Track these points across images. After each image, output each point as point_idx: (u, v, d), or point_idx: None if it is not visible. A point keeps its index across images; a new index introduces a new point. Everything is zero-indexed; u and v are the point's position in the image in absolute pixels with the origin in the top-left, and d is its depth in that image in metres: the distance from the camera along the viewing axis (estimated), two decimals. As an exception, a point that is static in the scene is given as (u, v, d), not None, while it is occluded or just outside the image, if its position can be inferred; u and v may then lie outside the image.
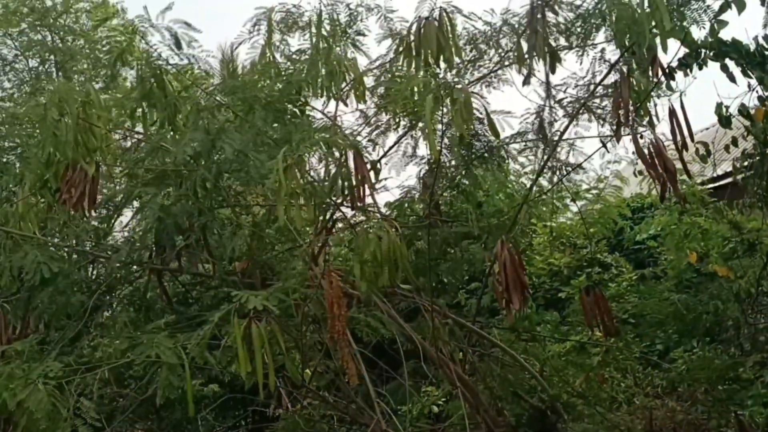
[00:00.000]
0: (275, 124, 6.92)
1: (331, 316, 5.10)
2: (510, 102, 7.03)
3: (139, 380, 7.46)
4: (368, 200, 7.13)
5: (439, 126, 7.66)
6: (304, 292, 5.62)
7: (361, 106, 7.97)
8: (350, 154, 6.70)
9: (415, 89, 6.96)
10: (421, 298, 7.02)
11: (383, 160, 7.68)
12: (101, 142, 7.33)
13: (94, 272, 7.16)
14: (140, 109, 6.99)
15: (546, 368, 7.60)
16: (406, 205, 7.39)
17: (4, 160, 7.89)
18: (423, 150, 7.72)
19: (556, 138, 6.76)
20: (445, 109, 7.14)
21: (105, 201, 7.18)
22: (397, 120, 7.85)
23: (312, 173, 6.68)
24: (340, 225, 7.44)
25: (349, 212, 7.25)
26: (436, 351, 6.49)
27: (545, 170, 6.79)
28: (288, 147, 5.90)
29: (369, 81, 7.83)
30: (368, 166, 6.94)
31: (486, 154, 7.06)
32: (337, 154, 6.80)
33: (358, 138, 7.35)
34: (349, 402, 6.82)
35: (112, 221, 7.24)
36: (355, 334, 6.63)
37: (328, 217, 7.03)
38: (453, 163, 7.52)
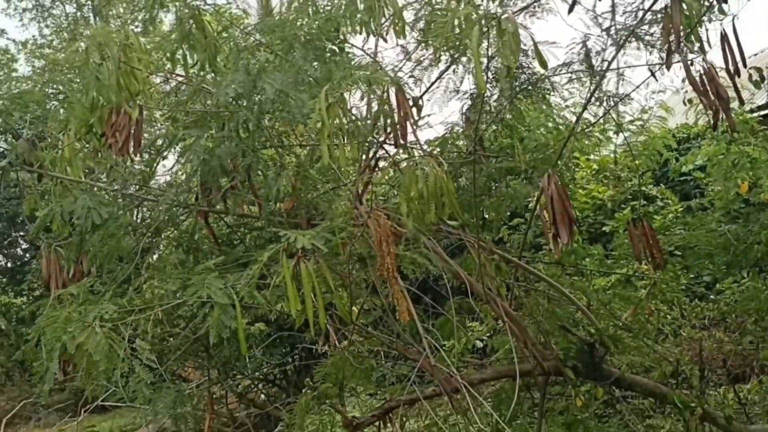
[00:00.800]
0: (315, 63, 6.81)
1: (380, 253, 5.07)
2: (554, 32, 6.82)
3: (188, 320, 7.60)
4: (411, 137, 7.07)
5: (483, 59, 7.53)
6: (350, 231, 5.59)
7: (402, 42, 7.80)
8: (392, 91, 6.61)
9: (458, 22, 6.82)
10: (466, 234, 6.96)
11: (425, 97, 7.56)
12: (143, 85, 7.34)
13: (139, 216, 7.19)
14: (180, 51, 6.91)
15: (592, 302, 7.52)
16: (450, 141, 7.27)
17: (48, 106, 7.90)
18: (466, 85, 7.57)
19: (603, 68, 6.54)
20: (489, 41, 7.02)
21: (149, 144, 7.18)
22: (439, 55, 7.69)
23: (354, 111, 6.57)
24: (383, 164, 7.37)
25: (392, 150, 7.18)
26: (483, 286, 6.45)
27: (591, 101, 6.59)
28: (329, 85, 5.82)
29: (409, 15, 7.65)
30: (410, 102, 6.84)
31: (530, 87, 6.88)
32: (378, 91, 6.72)
33: (400, 74, 7.20)
34: (397, 337, 6.85)
35: (155, 165, 7.23)
36: (400, 272, 6.64)
37: (371, 155, 6.96)
38: (496, 97, 7.35)
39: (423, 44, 7.70)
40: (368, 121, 6.67)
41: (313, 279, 5.18)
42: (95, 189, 6.81)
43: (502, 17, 5.27)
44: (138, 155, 7.37)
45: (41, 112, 7.68)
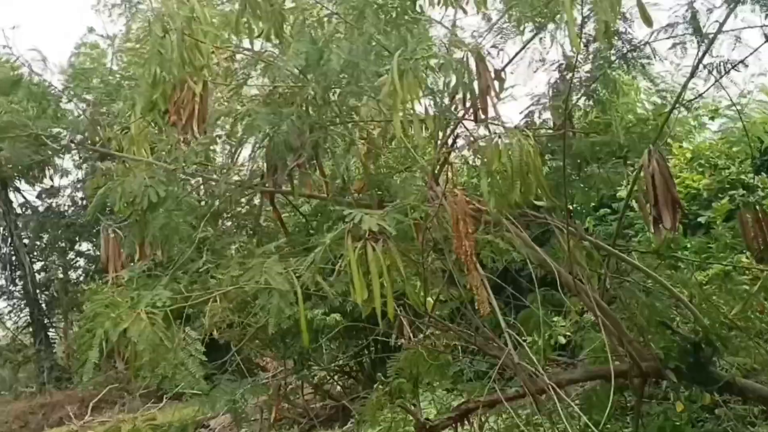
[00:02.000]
0: (388, 31, 6.19)
1: (456, 235, 4.43)
2: (654, -9, 6.01)
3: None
4: (492, 112, 6.39)
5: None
6: (425, 212, 4.96)
7: (483, 12, 7.09)
8: (472, 61, 5.95)
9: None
10: (553, 218, 6.25)
11: (508, 69, 6.83)
12: (208, 59, 6.87)
13: (204, 195, 6.72)
14: (243, 20, 6.39)
15: (695, 296, 6.69)
16: (537, 114, 6.54)
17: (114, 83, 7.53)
18: (553, 55, 6.83)
19: (712, 31, 5.71)
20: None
21: (213, 122, 6.70)
22: (523, 25, 6.97)
23: (430, 83, 5.91)
24: (461, 141, 6.70)
25: (471, 127, 6.51)
26: (573, 277, 5.73)
27: (699, 69, 5.76)
28: (403, 51, 5.21)
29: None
30: (492, 73, 6.15)
31: (628, 54, 6.08)
32: (457, 61, 6.07)
33: (481, 44, 6.50)
34: (476, 331, 6.19)
35: (217, 143, 6.76)
36: (479, 260, 5.98)
37: (448, 132, 6.31)
38: (588, 68, 6.58)
39: (506, 14, 6.98)
40: (446, 94, 6.04)
41: (381, 265, 4.58)
42: (155, 168, 6.35)
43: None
44: (202, 133, 6.92)
45: (108, 89, 7.27)
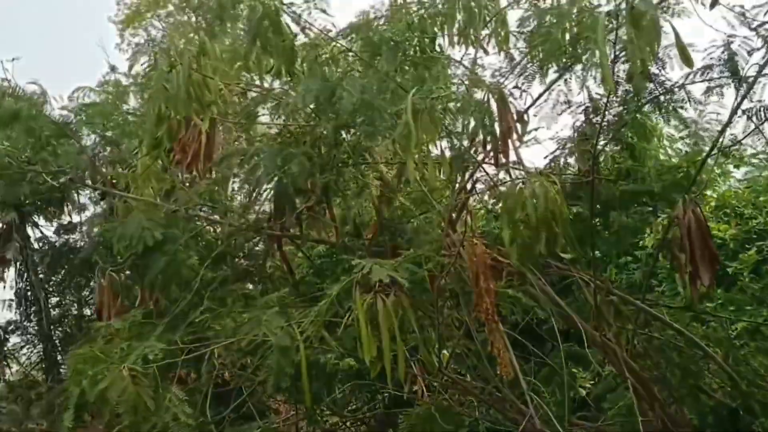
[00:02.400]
0: (405, 69, 5.86)
1: (476, 291, 4.01)
2: (691, 33, 5.63)
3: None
4: (514, 156, 6.01)
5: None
6: (440, 262, 4.55)
7: (504, 52, 6.75)
8: (493, 101, 5.60)
9: (569, 24, 5.78)
10: (578, 270, 5.81)
11: (531, 110, 6.46)
12: (216, 95, 6.55)
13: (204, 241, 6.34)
14: (253, 55, 6.08)
15: (729, 355, 6.18)
16: (562, 160, 6.14)
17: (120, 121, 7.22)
18: (579, 96, 6.45)
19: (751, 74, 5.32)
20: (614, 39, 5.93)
21: (220, 161, 6.35)
22: (548, 64, 6.62)
23: (448, 124, 5.54)
24: (481, 186, 6.30)
25: (491, 171, 6.12)
26: (600, 334, 5.27)
27: (737, 114, 5.35)
28: (419, 88, 4.85)
29: (512, 23, 6.60)
30: (514, 115, 5.78)
31: (661, 98, 5.69)
32: (477, 99, 5.72)
33: (502, 84, 6.14)
34: (494, 389, 5.71)
35: (229, 183, 6.40)
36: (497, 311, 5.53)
37: (467, 176, 5.92)
38: (616, 110, 6.19)
39: (529, 54, 6.63)
40: (465, 136, 5.67)
41: (392, 319, 4.16)
42: (156, 208, 6.00)
43: (636, 1, 4.17)
44: (208, 173, 6.58)
45: (122, 127, 6.97)
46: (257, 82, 6.60)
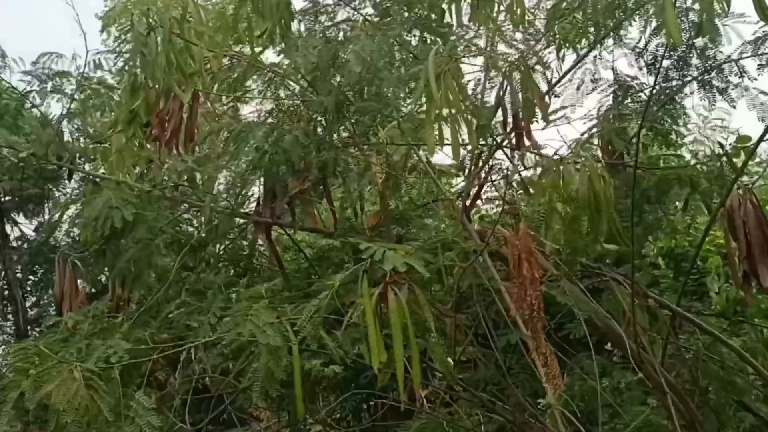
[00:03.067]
0: (418, 34, 5.15)
1: (518, 282, 3.28)
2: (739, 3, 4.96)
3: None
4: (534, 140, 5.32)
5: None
6: (463, 250, 3.84)
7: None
8: (516, 76, 4.92)
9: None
10: (610, 270, 5.13)
11: (556, 90, 5.77)
12: (200, 64, 5.81)
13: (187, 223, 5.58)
14: (243, 14, 5.35)
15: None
16: (595, 140, 5.42)
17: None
18: (607, 74, 5.78)
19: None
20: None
21: (204, 138, 5.62)
22: (570, 43, 5.94)
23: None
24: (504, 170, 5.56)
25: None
26: (636, 343, 4.57)
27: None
28: (437, 49, 4.14)
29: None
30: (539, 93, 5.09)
31: (707, 74, 5.00)
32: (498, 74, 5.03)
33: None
34: (517, 408, 4.99)
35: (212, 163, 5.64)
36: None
37: (484, 157, 5.22)
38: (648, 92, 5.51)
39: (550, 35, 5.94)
40: (488, 106, 4.96)
41: (406, 317, 3.44)
42: (128, 187, 5.24)
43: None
44: (190, 150, 5.83)
45: (86, 99, 6.21)
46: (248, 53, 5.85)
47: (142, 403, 3.23)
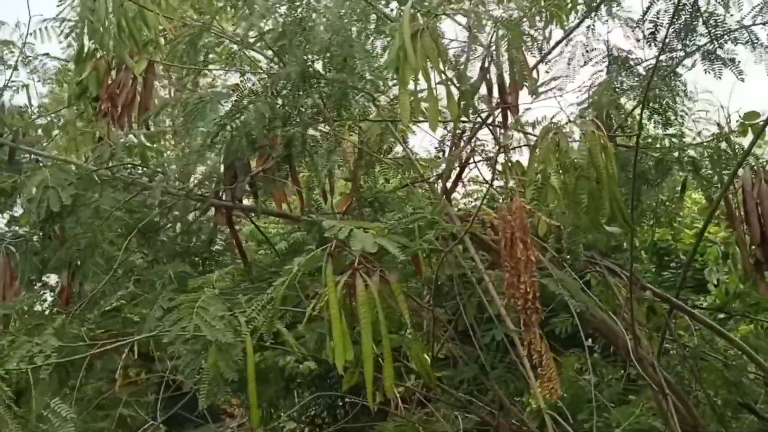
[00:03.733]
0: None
1: (510, 265, 2.79)
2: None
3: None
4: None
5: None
6: (443, 233, 3.35)
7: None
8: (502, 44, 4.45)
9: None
10: (602, 258, 4.68)
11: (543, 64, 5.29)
12: (155, 32, 5.28)
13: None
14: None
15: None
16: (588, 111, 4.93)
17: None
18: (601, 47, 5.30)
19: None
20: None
21: (155, 113, 5.09)
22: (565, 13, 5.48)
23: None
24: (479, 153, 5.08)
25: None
26: (634, 339, 4.12)
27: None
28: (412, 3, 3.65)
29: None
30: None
31: (713, 43, 4.54)
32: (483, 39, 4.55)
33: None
34: (499, 410, 4.52)
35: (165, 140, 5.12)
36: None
37: (466, 132, 4.74)
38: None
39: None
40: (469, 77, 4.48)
41: (378, 309, 2.95)
42: (69, 167, 4.70)
43: None
44: (143, 126, 5.31)
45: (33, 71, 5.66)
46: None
47: (58, 413, 2.71)
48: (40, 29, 5.47)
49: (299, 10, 4.46)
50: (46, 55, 5.73)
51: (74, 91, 5.43)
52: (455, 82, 3.96)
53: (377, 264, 3.05)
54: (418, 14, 3.58)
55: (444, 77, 3.61)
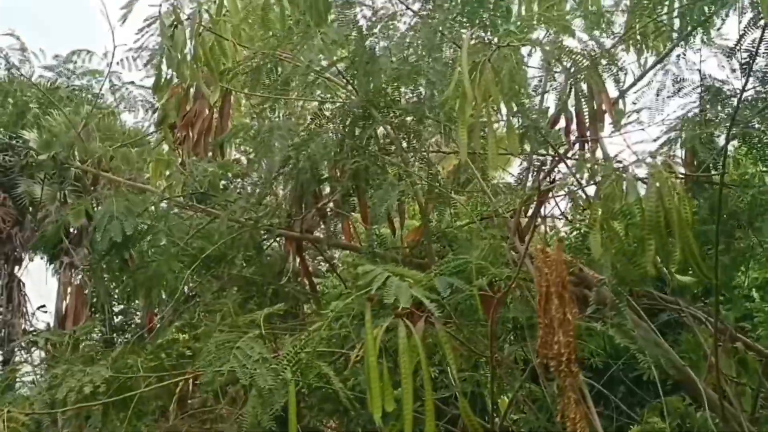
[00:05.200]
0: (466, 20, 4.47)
1: (544, 322, 2.58)
2: None
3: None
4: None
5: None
6: (497, 276, 3.16)
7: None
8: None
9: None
10: (687, 303, 4.33)
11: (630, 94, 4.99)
12: (233, 60, 5.31)
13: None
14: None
15: None
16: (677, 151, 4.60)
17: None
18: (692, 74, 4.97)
19: None
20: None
21: (227, 139, 5.10)
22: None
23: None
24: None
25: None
26: (720, 395, 3.76)
27: None
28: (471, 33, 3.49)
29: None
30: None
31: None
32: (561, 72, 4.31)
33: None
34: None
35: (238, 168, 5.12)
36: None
37: (544, 169, 4.51)
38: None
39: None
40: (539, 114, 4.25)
41: (422, 359, 2.78)
42: (140, 193, 4.76)
43: None
44: (220, 155, 5.33)
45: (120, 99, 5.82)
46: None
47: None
48: (125, 59, 5.60)
49: (368, 39, 4.36)
50: (132, 83, 5.84)
51: (159, 116, 5.55)
52: (523, 111, 3.74)
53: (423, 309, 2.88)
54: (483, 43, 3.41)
55: (507, 110, 3.41)
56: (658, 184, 2.90)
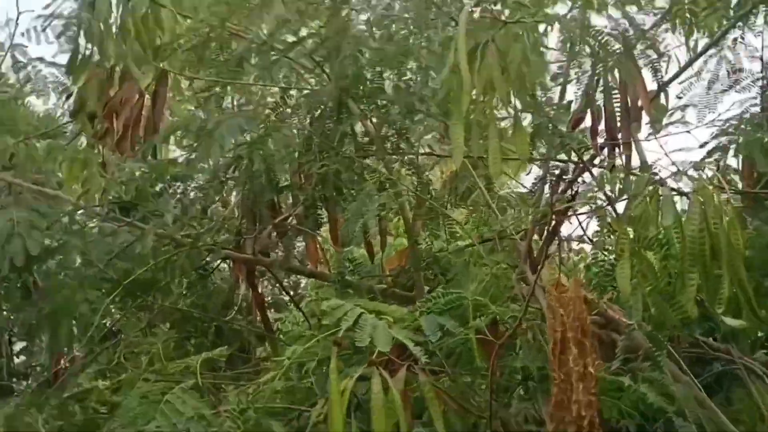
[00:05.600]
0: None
1: (559, 377, 2.61)
2: None
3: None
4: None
5: None
6: (500, 315, 3.20)
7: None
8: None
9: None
10: (741, 353, 4.40)
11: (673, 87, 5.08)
12: (171, 33, 5.35)
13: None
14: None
15: None
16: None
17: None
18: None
19: None
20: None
21: (165, 136, 5.14)
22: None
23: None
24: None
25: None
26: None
27: None
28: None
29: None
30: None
31: None
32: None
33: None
34: None
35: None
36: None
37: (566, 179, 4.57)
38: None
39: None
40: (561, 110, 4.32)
41: (402, 419, 2.82)
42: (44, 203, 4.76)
43: None
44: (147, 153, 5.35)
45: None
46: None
47: None
48: (32, 28, 5.62)
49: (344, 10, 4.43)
50: (41, 59, 5.87)
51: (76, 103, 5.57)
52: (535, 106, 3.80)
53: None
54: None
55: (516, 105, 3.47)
56: (702, 202, 2.96)
